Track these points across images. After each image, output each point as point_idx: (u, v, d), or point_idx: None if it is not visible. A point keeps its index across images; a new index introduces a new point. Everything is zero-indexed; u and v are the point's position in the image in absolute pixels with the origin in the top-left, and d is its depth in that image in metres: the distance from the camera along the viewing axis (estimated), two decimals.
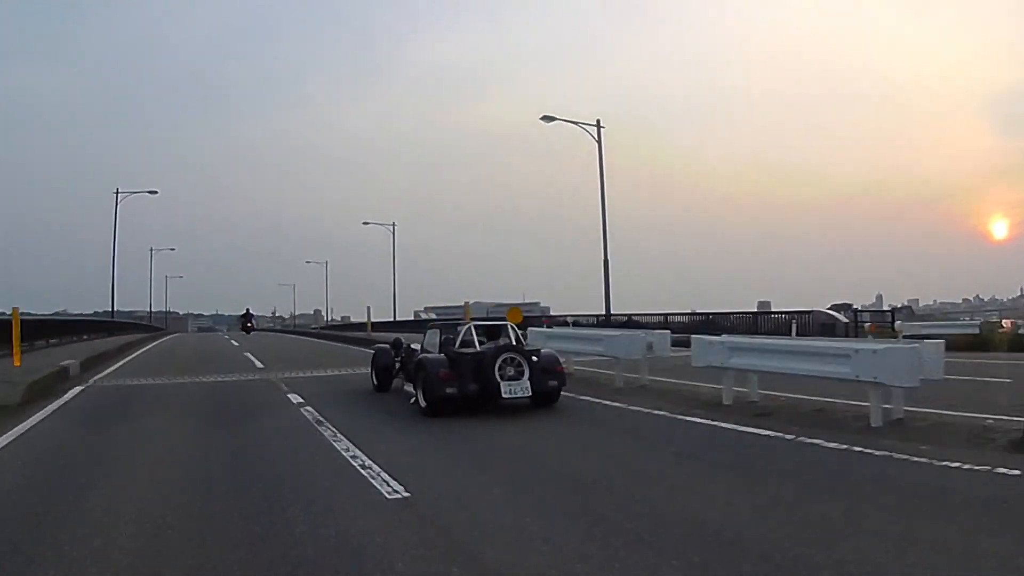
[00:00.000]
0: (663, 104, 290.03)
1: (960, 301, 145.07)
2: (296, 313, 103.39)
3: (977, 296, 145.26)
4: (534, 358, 8.46)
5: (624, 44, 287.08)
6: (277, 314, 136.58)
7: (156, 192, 43.21)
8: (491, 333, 9.33)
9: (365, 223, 50.04)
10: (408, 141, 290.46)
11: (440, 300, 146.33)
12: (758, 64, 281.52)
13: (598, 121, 27.37)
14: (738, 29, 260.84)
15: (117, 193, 41.69)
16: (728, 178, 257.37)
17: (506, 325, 9.52)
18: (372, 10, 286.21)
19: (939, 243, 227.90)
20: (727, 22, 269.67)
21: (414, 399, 8.83)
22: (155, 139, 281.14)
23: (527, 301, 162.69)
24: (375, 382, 11.02)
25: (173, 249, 66.34)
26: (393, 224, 49.77)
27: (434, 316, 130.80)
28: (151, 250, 63.19)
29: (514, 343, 8.88)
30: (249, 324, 51.72)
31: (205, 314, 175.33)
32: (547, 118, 26.95)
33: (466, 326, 9.25)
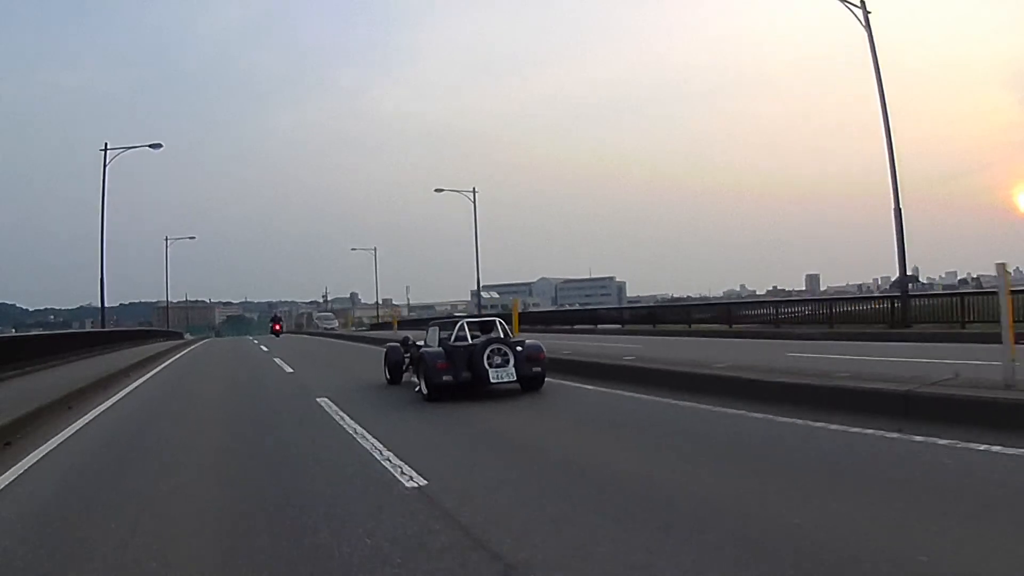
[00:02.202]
0: (681, 80, 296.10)
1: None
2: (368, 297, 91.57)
3: (1017, 268, 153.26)
4: (519, 348, 9.45)
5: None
6: (329, 297, 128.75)
7: (160, 146, 33.33)
8: (484, 328, 10.54)
9: (439, 190, 45.85)
10: (459, 121, 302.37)
11: (500, 278, 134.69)
12: (773, 40, 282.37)
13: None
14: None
15: (105, 149, 31.43)
16: (752, 153, 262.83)
17: (495, 320, 10.73)
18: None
19: (964, 217, 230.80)
20: None
21: (418, 388, 9.98)
22: (183, 126, 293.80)
23: (596, 277, 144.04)
24: (388, 376, 11.93)
25: (193, 238, 60.06)
26: (473, 191, 45.32)
27: (495, 295, 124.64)
28: (167, 239, 56.04)
29: (501, 336, 9.94)
30: (278, 327, 55.66)
31: (234, 302, 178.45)
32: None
33: (459, 323, 10.21)
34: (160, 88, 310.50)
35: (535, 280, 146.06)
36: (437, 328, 10.79)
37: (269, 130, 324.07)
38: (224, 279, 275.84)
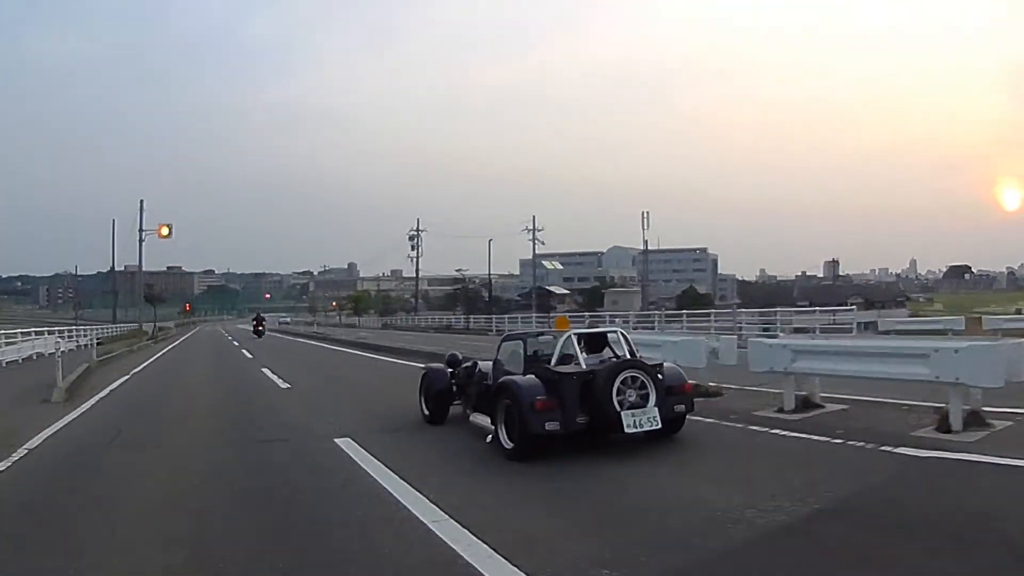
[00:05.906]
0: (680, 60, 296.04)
1: (1004, 270, 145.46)
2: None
3: (1022, 264, 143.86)
4: (659, 375, 6.44)
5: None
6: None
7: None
8: (593, 345, 7.08)
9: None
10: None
11: (563, 245, 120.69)
12: (774, 29, 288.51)
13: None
14: None
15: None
16: (748, 138, 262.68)
17: (616, 332, 7.30)
18: None
19: (958, 211, 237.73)
20: None
21: (491, 436, 6.67)
22: (167, 98, 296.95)
23: (683, 248, 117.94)
24: (426, 412, 8.63)
25: None
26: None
27: (559, 265, 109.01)
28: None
29: (628, 356, 6.79)
30: (260, 328, 51.44)
31: (217, 271, 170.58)
32: None
33: (565, 335, 7.00)
34: (146, 56, 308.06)
35: (606, 249, 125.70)
36: (521, 343, 7.44)
37: (258, 98, 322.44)
38: (206, 248, 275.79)
